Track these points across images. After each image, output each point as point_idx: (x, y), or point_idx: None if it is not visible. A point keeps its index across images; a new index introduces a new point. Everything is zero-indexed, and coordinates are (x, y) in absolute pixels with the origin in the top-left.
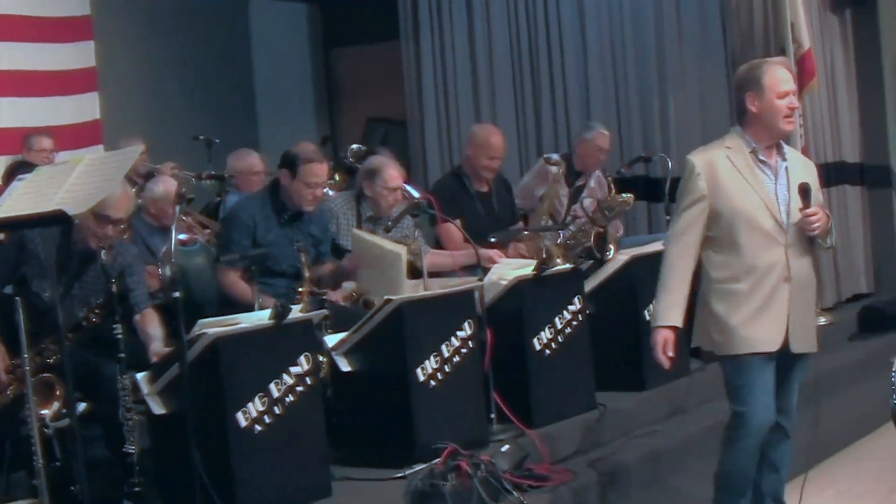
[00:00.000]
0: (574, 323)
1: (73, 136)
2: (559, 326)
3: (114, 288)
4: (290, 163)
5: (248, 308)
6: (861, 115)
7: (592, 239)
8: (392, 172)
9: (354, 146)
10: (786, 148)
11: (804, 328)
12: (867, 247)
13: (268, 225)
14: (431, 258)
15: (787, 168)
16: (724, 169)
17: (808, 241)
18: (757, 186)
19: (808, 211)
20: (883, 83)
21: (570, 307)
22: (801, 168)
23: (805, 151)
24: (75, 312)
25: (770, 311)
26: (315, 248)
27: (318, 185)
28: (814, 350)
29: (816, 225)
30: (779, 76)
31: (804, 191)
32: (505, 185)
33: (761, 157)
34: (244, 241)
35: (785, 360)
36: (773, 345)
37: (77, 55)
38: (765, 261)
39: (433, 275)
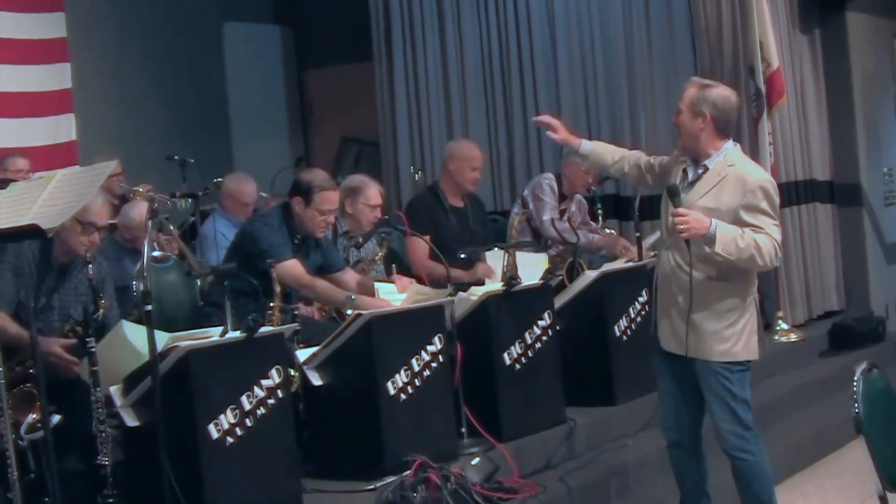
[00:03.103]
0: (544, 338)
1: (48, 157)
2: (529, 341)
3: (102, 302)
4: (304, 191)
5: None
6: (831, 132)
7: (564, 270)
8: (374, 191)
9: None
10: (732, 165)
11: (670, 327)
12: (838, 264)
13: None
14: None
15: (700, 180)
16: (675, 169)
17: (688, 244)
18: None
19: (675, 210)
20: (852, 101)
21: (540, 322)
22: (729, 185)
23: (774, 169)
24: (55, 325)
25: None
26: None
27: (332, 212)
28: (678, 353)
29: (681, 227)
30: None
31: (669, 191)
32: (478, 203)
33: (686, 168)
34: (286, 242)
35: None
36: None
37: (53, 77)
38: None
39: None
